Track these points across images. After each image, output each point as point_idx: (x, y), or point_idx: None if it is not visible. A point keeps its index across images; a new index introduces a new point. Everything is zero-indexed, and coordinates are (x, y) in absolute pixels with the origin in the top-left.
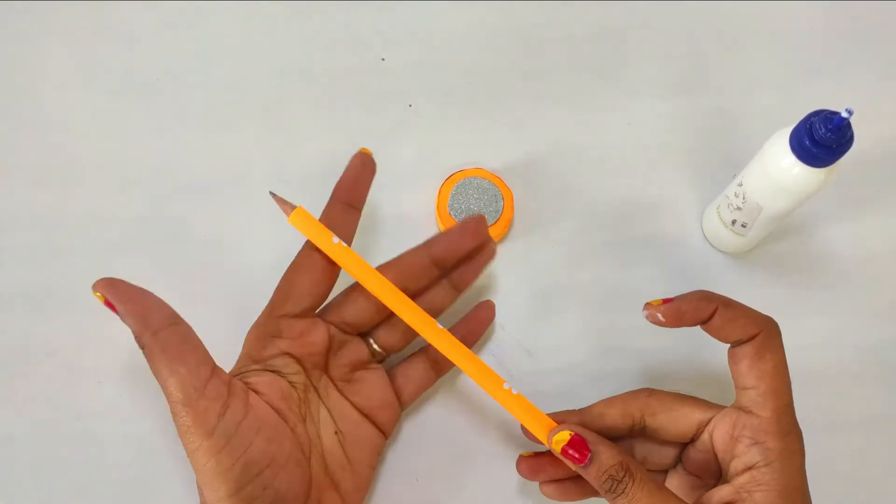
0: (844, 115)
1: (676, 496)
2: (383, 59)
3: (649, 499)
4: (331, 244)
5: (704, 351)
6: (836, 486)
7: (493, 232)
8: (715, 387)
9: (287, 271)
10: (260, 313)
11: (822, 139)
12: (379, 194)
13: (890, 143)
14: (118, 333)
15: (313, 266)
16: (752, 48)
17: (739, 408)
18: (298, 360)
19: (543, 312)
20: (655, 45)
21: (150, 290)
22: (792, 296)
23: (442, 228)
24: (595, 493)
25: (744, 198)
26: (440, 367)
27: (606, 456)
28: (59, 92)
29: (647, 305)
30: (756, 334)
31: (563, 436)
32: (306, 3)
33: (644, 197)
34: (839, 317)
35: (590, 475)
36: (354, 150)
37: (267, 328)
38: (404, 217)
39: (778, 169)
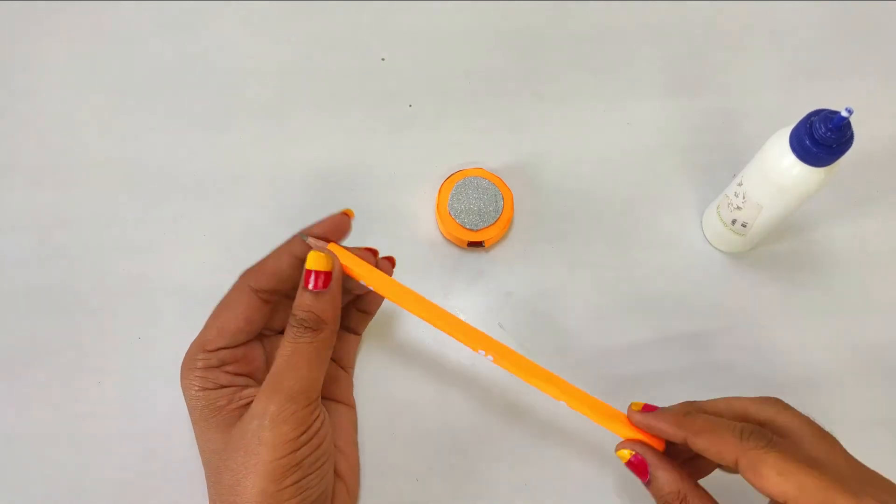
0: (844, 114)
1: None
2: (383, 59)
3: None
4: (372, 270)
5: (704, 351)
6: None
7: (493, 232)
8: (714, 387)
9: (219, 307)
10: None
11: (822, 138)
12: (379, 194)
13: (890, 143)
14: (118, 333)
15: (246, 304)
16: (752, 48)
17: None
18: (250, 376)
19: (543, 312)
20: (655, 46)
21: (150, 289)
22: (792, 296)
23: (441, 228)
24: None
25: (744, 198)
26: (359, 322)
27: (664, 481)
28: (59, 92)
29: (630, 409)
30: (737, 459)
31: (624, 454)
32: (306, 3)
33: (644, 197)
34: (839, 316)
35: (650, 492)
36: (354, 150)
37: (209, 362)
38: (404, 216)
39: (778, 169)
